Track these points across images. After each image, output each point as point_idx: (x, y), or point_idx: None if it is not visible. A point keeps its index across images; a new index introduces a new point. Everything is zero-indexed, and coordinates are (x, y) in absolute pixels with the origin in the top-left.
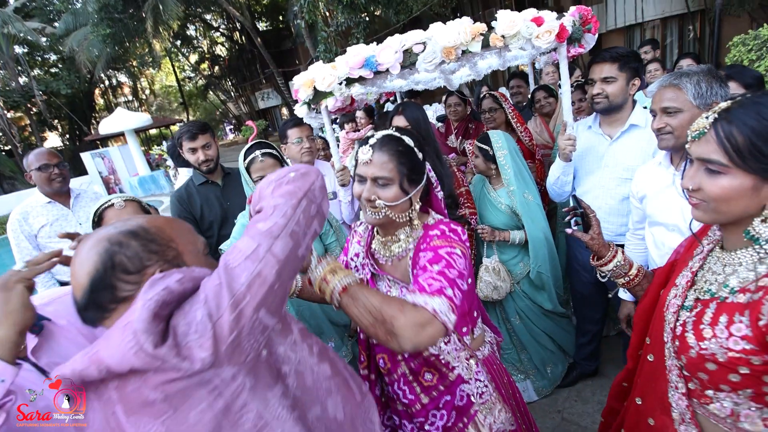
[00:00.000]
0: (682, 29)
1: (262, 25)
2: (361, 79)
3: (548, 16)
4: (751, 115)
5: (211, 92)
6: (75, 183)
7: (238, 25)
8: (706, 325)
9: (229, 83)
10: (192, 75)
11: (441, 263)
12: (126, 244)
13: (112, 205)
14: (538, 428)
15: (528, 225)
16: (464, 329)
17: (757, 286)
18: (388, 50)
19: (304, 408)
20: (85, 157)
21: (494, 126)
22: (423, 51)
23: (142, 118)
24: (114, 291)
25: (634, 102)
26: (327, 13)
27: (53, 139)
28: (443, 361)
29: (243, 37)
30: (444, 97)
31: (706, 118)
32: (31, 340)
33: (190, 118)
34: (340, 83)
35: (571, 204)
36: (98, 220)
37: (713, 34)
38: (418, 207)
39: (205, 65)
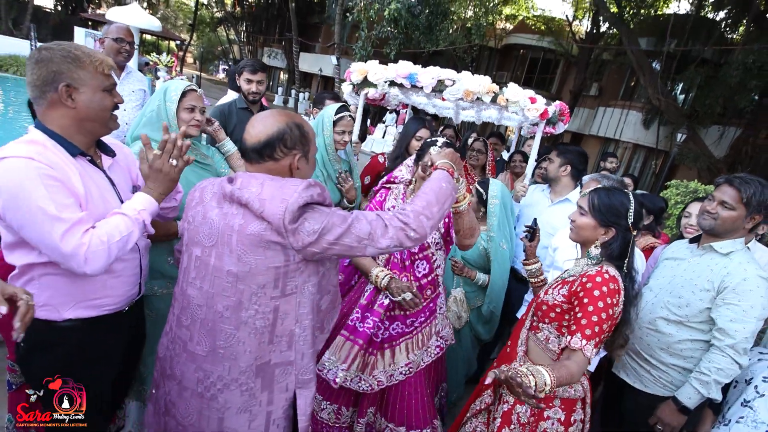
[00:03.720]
0: (647, 159)
1: None
2: (400, 86)
3: (540, 99)
4: (605, 193)
5: (223, 28)
6: None
7: None
8: (551, 288)
9: (244, 27)
10: (213, 4)
11: None
12: (294, 129)
13: (195, 90)
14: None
15: (495, 270)
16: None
17: (579, 275)
18: (428, 74)
19: (319, 292)
20: (79, 32)
21: (474, 164)
22: (452, 85)
23: (153, 22)
24: (273, 152)
25: (579, 185)
26: (375, 18)
27: None
28: (438, 281)
29: None
30: (441, 128)
31: (591, 189)
32: (107, 160)
33: (193, 42)
34: (386, 82)
35: (531, 224)
36: (181, 97)
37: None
38: None
39: (230, 1)
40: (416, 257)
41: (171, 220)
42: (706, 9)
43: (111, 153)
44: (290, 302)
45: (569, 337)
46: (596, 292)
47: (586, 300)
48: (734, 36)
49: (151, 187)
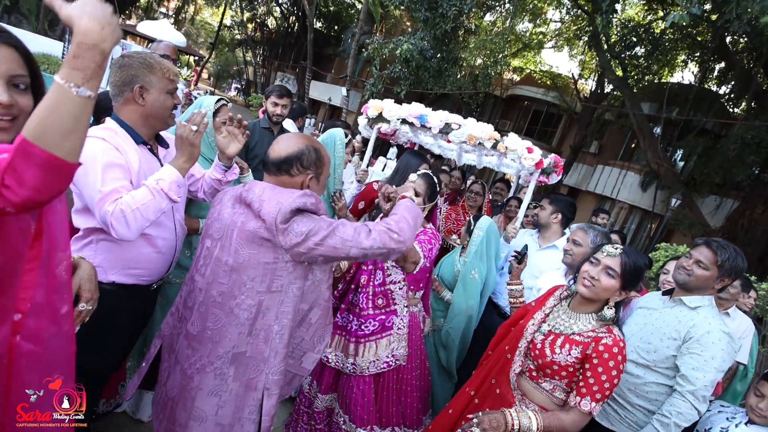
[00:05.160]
0: (643, 221)
1: (317, 24)
2: (411, 124)
3: (537, 150)
4: (633, 256)
5: (241, 49)
6: None
7: (297, 11)
8: (557, 346)
9: (261, 51)
10: (235, 26)
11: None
12: (311, 152)
13: (226, 104)
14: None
15: (458, 292)
16: (411, 287)
17: (588, 336)
18: (436, 117)
19: (306, 301)
20: None
21: (472, 204)
22: (457, 129)
23: (180, 38)
24: (290, 168)
25: (564, 233)
26: (387, 56)
27: None
28: (392, 296)
29: (296, 25)
30: (451, 169)
31: (615, 248)
32: (162, 151)
33: (211, 59)
34: (398, 119)
35: (521, 249)
36: (215, 111)
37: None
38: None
39: (251, 26)
40: (377, 266)
41: (194, 217)
42: (710, 82)
43: (166, 145)
44: (274, 299)
45: (578, 398)
46: (611, 363)
47: (600, 369)
48: (736, 110)
49: (176, 157)
